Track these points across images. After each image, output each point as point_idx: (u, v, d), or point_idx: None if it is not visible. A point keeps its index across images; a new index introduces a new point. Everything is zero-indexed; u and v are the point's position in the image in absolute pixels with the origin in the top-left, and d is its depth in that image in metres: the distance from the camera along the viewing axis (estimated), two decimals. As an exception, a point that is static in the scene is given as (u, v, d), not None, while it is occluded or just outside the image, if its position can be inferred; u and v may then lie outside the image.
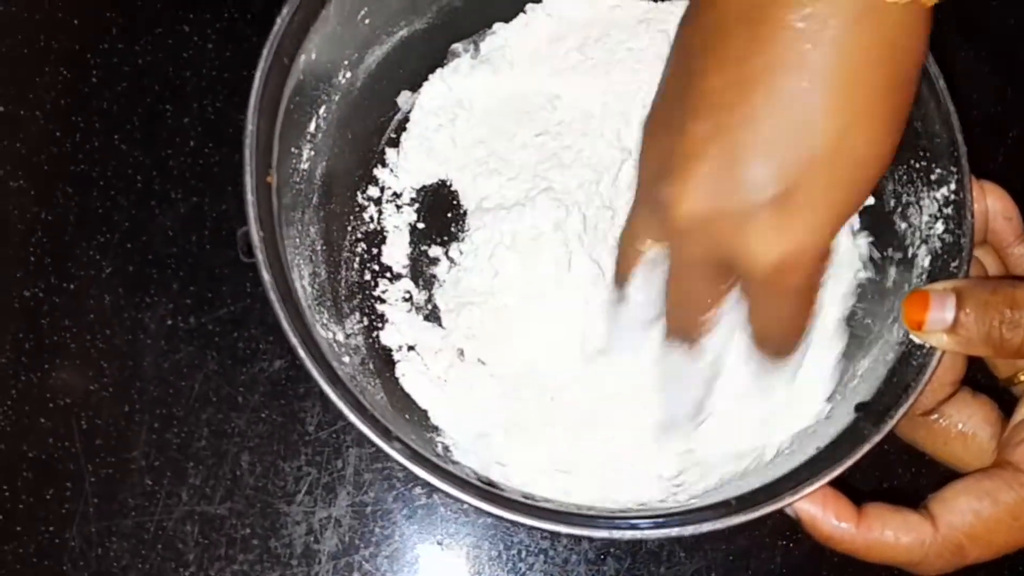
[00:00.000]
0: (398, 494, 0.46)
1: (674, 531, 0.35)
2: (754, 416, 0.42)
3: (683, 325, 0.38)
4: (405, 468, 0.36)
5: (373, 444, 0.36)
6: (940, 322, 0.36)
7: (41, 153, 0.49)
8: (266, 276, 0.37)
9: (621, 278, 0.39)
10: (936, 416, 0.40)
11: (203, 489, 0.45)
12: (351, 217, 0.47)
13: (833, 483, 0.36)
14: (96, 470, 0.45)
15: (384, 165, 0.48)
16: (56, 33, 0.51)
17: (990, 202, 0.41)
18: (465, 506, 0.46)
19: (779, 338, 0.38)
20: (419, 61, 0.48)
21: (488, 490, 0.37)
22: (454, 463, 0.41)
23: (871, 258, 0.44)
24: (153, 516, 0.45)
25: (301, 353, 0.36)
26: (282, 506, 0.45)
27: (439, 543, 0.46)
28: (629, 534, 0.35)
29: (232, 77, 0.51)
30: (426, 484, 0.44)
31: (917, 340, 0.38)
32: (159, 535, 0.45)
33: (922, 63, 0.33)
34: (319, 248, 0.44)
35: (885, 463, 0.47)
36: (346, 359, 0.42)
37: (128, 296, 0.47)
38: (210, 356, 0.47)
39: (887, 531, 0.36)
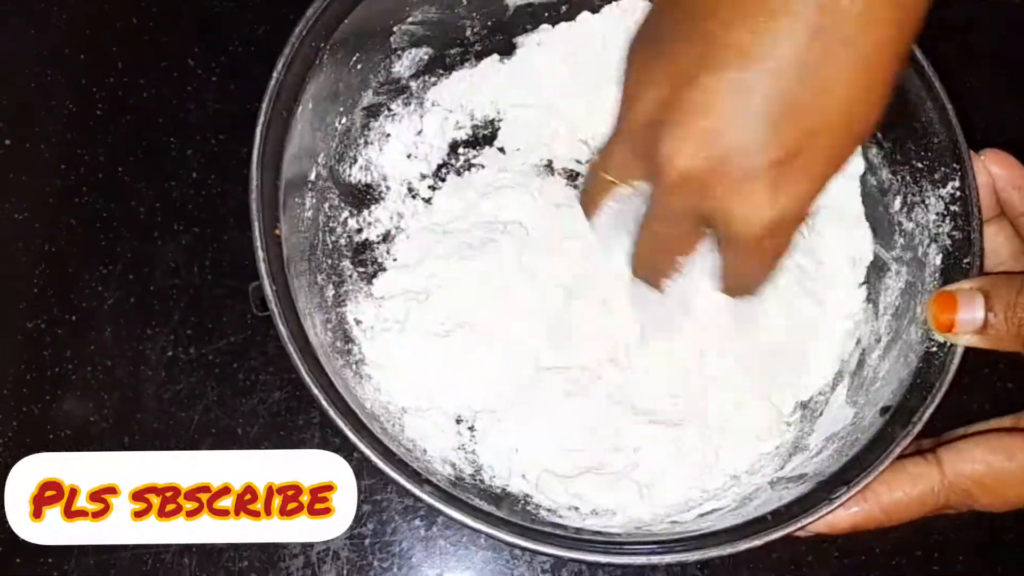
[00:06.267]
0: (396, 526, 0.46)
1: (712, 552, 0.35)
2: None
3: (651, 267, 0.39)
4: (418, 502, 0.35)
5: (406, 489, 0.36)
6: (971, 323, 0.36)
7: (46, 186, 0.50)
8: (283, 329, 0.37)
9: (589, 206, 0.39)
10: None
11: (201, 521, 0.45)
12: (356, 260, 0.47)
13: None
14: (95, 502, 0.45)
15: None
16: (63, 68, 0.52)
17: (997, 171, 0.40)
18: (464, 538, 0.46)
19: (746, 288, 0.39)
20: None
21: (517, 522, 0.37)
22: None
23: (878, 259, 0.45)
24: (151, 548, 0.45)
25: (324, 405, 0.36)
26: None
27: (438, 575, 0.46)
28: (656, 559, 0.35)
29: (235, 110, 0.51)
30: (425, 516, 0.45)
31: (941, 339, 0.37)
32: (157, 568, 0.44)
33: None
34: (329, 294, 0.45)
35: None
36: (367, 402, 0.42)
37: (129, 327, 0.48)
38: (210, 387, 0.47)
39: (896, 492, 0.36)
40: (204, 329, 0.48)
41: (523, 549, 0.36)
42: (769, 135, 0.31)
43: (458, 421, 0.44)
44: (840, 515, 0.36)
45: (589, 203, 0.40)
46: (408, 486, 0.35)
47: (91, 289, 0.48)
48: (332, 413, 0.36)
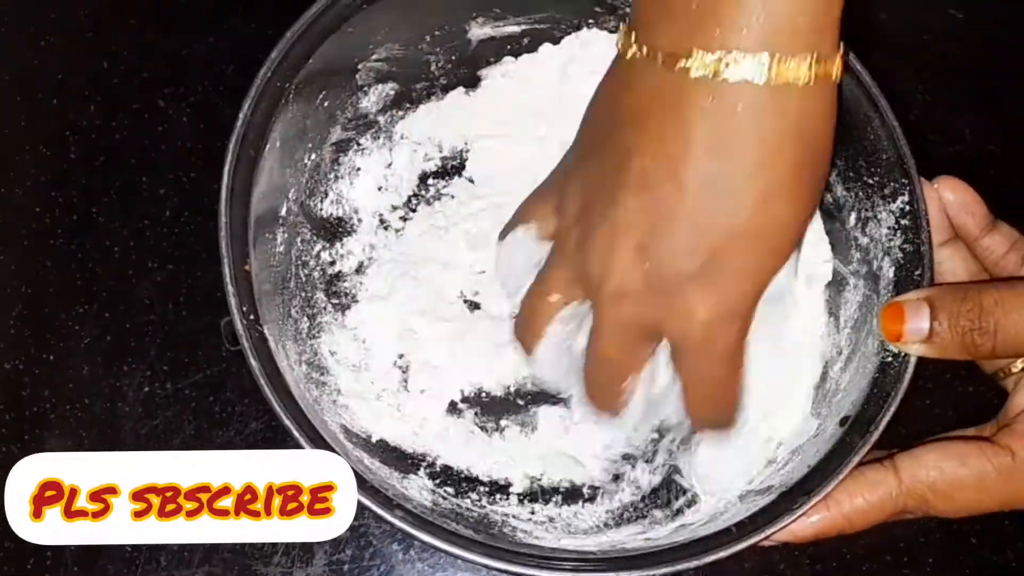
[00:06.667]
0: (375, 551, 0.46)
1: (678, 566, 0.36)
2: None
3: (602, 388, 0.39)
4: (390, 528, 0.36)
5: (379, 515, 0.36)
6: (918, 332, 0.37)
7: (21, 229, 0.50)
8: (253, 362, 0.38)
9: (532, 336, 0.40)
10: None
11: (181, 553, 0.45)
12: (329, 292, 0.48)
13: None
14: (76, 539, 0.45)
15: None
16: (36, 114, 0.53)
17: (949, 196, 0.41)
18: (442, 560, 0.46)
19: (713, 407, 0.39)
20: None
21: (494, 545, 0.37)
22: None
23: (837, 274, 0.46)
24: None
25: (296, 434, 0.37)
26: (259, 567, 0.45)
27: (418, 600, 0.46)
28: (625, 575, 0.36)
29: (206, 148, 0.52)
30: (402, 541, 0.45)
31: (894, 349, 0.39)
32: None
33: (830, 137, 0.35)
34: (304, 326, 0.45)
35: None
36: (342, 432, 0.42)
37: (106, 365, 0.48)
38: (187, 421, 0.47)
39: (856, 499, 0.37)
40: (180, 364, 0.48)
41: (499, 570, 0.36)
42: (688, 243, 0.34)
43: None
44: (803, 523, 0.37)
45: (531, 334, 0.40)
46: (380, 512, 0.36)
47: (68, 329, 0.49)
48: (303, 442, 0.37)
